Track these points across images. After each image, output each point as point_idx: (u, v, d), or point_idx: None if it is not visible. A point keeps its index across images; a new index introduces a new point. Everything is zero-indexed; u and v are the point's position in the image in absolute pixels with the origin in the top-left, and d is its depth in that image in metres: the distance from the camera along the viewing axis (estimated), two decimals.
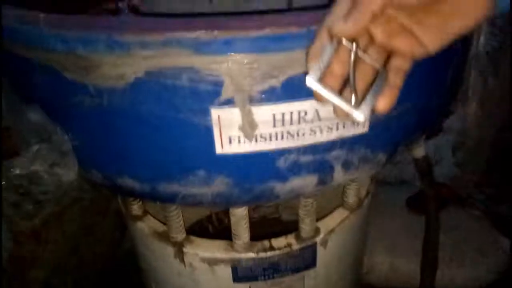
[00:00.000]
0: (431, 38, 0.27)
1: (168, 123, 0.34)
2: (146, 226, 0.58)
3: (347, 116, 0.28)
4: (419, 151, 0.63)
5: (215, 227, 0.78)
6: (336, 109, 0.28)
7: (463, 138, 0.77)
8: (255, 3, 0.41)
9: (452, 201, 0.90)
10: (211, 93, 0.32)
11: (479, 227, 0.87)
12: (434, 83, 0.41)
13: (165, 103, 0.33)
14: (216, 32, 0.27)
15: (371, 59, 0.28)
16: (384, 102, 0.28)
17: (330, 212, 0.58)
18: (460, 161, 0.84)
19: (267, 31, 0.27)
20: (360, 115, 0.28)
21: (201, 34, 0.27)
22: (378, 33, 0.27)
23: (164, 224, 0.57)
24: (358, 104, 0.28)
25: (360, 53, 0.27)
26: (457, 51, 0.43)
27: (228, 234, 0.52)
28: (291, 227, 0.54)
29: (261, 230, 0.57)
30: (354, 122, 0.36)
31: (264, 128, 0.34)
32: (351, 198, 0.58)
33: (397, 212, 0.91)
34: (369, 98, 0.28)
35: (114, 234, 0.84)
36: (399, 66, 0.28)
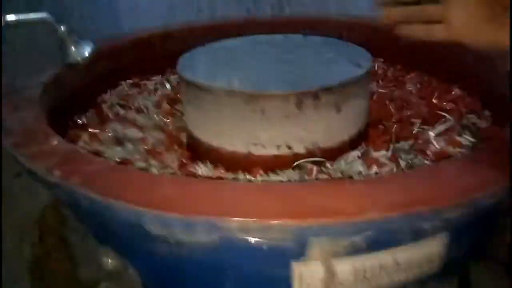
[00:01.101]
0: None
1: (248, 276, 0.34)
2: None
3: None
4: None
5: None
6: None
7: None
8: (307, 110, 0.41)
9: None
10: (296, 252, 0.32)
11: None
12: (486, 228, 0.42)
13: (247, 259, 0.33)
14: (309, 220, 0.27)
15: None
16: None
17: None
18: None
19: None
20: None
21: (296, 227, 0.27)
22: None
23: None
24: None
25: None
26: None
27: None
28: None
29: None
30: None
31: (344, 278, 0.34)
32: None
33: None
34: None
35: None
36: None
